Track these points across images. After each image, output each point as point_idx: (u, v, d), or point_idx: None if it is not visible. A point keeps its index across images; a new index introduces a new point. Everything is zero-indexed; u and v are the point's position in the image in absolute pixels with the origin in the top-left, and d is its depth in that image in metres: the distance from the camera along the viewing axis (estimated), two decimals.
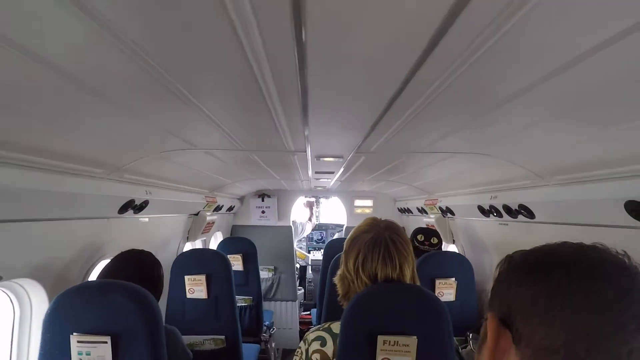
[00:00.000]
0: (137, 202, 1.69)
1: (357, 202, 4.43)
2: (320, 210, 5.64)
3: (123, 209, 1.62)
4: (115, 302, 1.15)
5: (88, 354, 1.13)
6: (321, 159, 1.80)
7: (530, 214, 1.61)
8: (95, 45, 0.60)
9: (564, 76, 0.68)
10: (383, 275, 1.07)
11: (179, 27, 0.56)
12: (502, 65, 0.67)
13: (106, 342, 1.14)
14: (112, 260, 1.48)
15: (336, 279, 1.17)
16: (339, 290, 1.16)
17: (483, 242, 2.48)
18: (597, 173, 1.14)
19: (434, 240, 2.58)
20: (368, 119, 1.09)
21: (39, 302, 1.37)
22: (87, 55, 0.64)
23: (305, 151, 1.63)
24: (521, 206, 1.63)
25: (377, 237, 1.10)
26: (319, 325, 1.16)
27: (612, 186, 1.11)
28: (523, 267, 0.48)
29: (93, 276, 1.63)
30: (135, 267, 1.46)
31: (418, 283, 1.15)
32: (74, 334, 1.14)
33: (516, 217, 1.73)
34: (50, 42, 0.58)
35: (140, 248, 1.57)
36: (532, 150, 1.24)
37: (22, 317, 1.37)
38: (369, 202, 4.41)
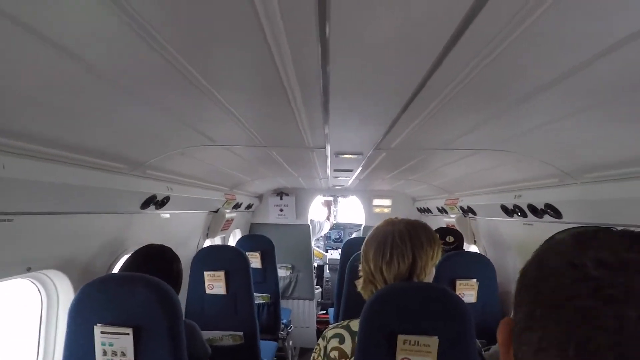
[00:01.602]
0: (159, 198, 1.71)
1: (376, 202, 4.39)
2: (338, 210, 5.62)
3: (145, 205, 1.65)
4: (137, 295, 1.17)
5: (111, 344, 1.16)
6: (340, 155, 1.79)
7: (557, 214, 1.55)
8: (120, 36, 0.60)
9: (598, 65, 0.64)
10: (399, 271, 1.06)
11: (202, 15, 0.55)
12: (532, 55, 0.64)
13: (128, 334, 1.16)
14: (132, 254, 1.51)
15: (358, 282, 1.17)
16: (361, 284, 1.15)
17: (506, 243, 2.41)
18: (632, 170, 1.09)
19: (450, 239, 2.50)
20: (390, 114, 1.07)
21: (65, 293, 1.41)
22: (114, 47, 0.64)
23: (325, 147, 1.62)
24: (547, 205, 1.57)
25: (391, 233, 1.09)
26: (337, 323, 1.14)
27: None
28: (529, 280, 0.37)
29: (116, 270, 1.67)
30: (155, 261, 1.49)
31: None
32: (98, 324, 1.17)
33: (542, 217, 1.67)
34: (78, 34, 0.59)
35: (161, 243, 1.59)
36: (560, 146, 1.18)
37: (49, 307, 1.42)
38: (387, 202, 4.37)
